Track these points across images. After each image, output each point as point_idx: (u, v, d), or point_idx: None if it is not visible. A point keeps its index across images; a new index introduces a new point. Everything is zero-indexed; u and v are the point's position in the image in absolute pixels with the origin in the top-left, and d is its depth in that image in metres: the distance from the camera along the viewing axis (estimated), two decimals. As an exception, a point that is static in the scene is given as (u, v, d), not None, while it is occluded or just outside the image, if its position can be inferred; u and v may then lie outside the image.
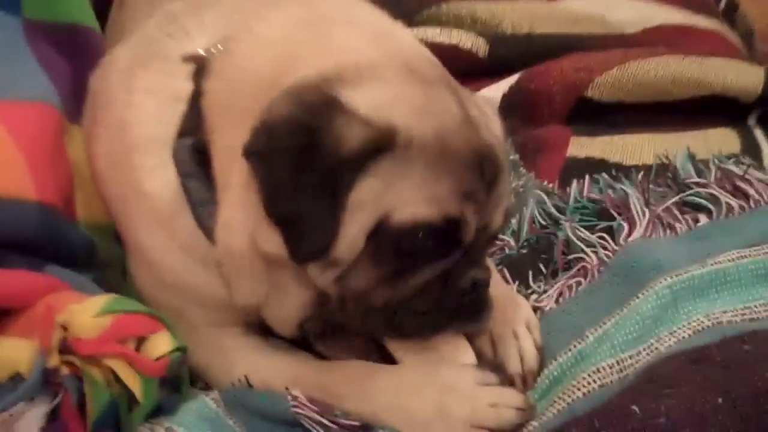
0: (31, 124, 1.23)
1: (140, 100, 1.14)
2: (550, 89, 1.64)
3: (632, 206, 1.28)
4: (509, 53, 1.82)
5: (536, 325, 1.14)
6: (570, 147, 1.53)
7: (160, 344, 1.08)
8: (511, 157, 1.54)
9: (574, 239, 1.26)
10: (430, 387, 1.05)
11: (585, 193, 1.35)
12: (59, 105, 1.28)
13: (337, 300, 1.04)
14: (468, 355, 1.10)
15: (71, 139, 1.30)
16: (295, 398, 1.06)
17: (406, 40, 1.12)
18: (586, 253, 1.24)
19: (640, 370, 1.04)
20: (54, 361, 1.05)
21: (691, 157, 1.41)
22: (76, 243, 1.24)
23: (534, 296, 1.21)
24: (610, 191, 1.33)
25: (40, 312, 1.07)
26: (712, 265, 1.17)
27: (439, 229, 0.99)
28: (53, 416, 1.06)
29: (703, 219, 1.27)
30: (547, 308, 1.20)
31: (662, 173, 1.38)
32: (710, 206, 1.29)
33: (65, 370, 1.05)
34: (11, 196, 1.14)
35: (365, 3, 1.19)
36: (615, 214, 1.29)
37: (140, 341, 1.08)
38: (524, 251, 1.30)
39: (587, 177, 1.39)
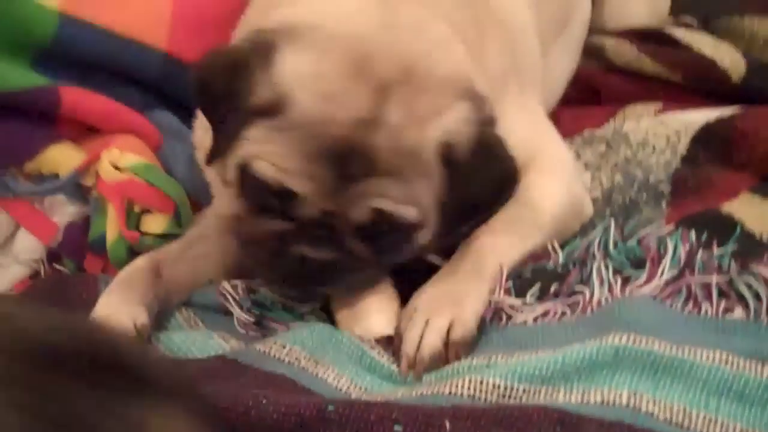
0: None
1: None
2: (757, 134, 1.48)
3: (662, 264, 1.17)
4: (764, 85, 1.65)
5: (465, 328, 1.16)
6: (731, 202, 1.38)
7: (153, 224, 1.34)
8: (661, 188, 1.45)
9: (594, 274, 1.20)
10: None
11: (646, 241, 1.24)
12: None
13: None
14: (381, 327, 1.20)
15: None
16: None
17: (412, 37, 1.20)
18: (592, 290, 1.18)
19: (514, 406, 1.02)
20: (89, 181, 1.33)
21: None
22: None
23: (515, 304, 1.19)
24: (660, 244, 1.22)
25: (103, 140, 1.35)
26: (687, 353, 1.05)
27: (277, 193, 1.14)
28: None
29: (740, 313, 1.12)
30: (519, 321, 1.18)
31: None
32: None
33: (95, 193, 1.33)
34: (141, 41, 1.43)
35: None
36: (648, 265, 1.19)
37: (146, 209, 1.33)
38: (558, 270, 1.26)
39: (692, 233, 1.26)
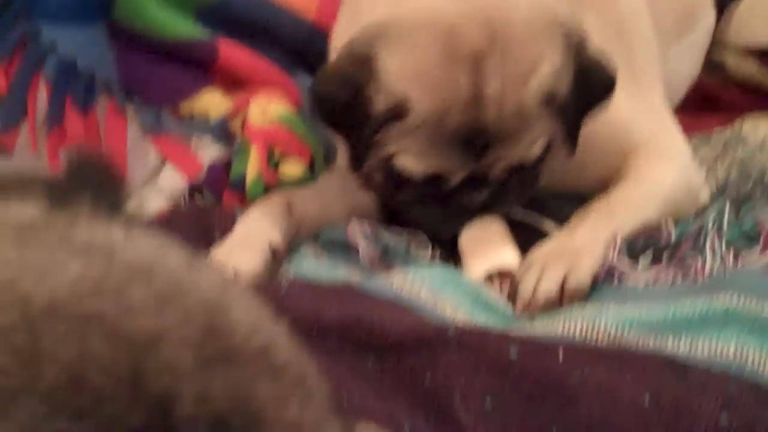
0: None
1: None
2: None
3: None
4: None
5: (579, 279, 1.21)
6: None
7: (289, 167, 1.46)
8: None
9: (707, 245, 1.25)
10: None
11: (761, 220, 1.28)
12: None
13: None
14: (509, 259, 1.28)
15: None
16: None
17: None
18: (704, 260, 1.23)
19: (624, 346, 1.06)
20: (236, 126, 1.45)
21: None
22: None
23: (628, 267, 1.24)
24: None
25: (251, 92, 1.47)
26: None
27: (423, 181, 1.28)
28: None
29: None
30: (631, 283, 1.23)
31: None
32: None
33: (240, 137, 1.45)
34: (293, 9, 1.55)
35: None
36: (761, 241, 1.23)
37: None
38: (671, 242, 1.31)
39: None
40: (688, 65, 1.81)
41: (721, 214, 1.33)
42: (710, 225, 1.32)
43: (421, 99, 1.22)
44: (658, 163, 1.42)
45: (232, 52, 1.50)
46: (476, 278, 1.25)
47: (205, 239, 1.36)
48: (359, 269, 1.29)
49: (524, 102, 1.24)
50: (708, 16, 1.87)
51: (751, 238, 1.26)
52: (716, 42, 1.96)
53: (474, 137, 1.25)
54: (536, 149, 1.29)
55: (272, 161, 1.46)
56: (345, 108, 1.26)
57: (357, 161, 1.31)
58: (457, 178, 1.28)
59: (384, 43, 1.24)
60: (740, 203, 1.46)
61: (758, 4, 2.00)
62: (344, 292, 1.19)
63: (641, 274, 1.24)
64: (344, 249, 1.33)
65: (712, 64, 1.95)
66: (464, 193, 1.30)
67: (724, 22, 1.97)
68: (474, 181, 1.29)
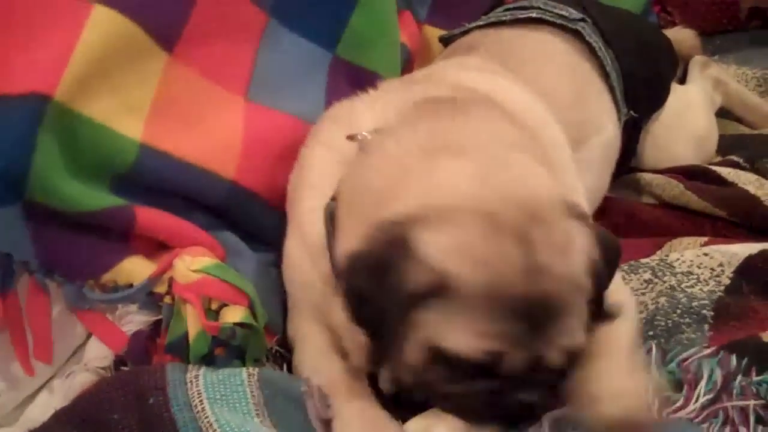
0: (269, 128, 1.60)
1: (319, 150, 1.50)
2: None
3: (698, 389, 1.20)
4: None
5: None
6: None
7: (230, 314, 1.39)
8: (704, 313, 1.48)
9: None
10: None
11: (686, 364, 1.27)
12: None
13: None
14: None
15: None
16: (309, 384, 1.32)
17: (512, 178, 1.25)
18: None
19: None
20: (161, 288, 1.41)
21: None
22: (263, 223, 1.59)
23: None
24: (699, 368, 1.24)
25: (173, 253, 1.43)
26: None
27: (479, 359, 1.18)
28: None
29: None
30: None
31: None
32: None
33: (168, 299, 1.40)
34: (212, 170, 1.53)
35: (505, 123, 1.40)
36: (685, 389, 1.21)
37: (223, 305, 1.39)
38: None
39: (732, 358, 1.29)
40: (587, 180, 1.75)
41: (648, 357, 1.32)
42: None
43: (465, 273, 1.16)
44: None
45: (150, 217, 1.45)
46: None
47: (140, 405, 1.29)
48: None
49: (574, 270, 1.21)
50: (604, 131, 1.85)
51: (677, 386, 1.25)
52: (639, 165, 1.99)
53: (534, 310, 1.17)
54: (582, 332, 1.23)
55: (210, 315, 1.39)
56: (376, 288, 1.18)
57: (386, 353, 1.23)
58: (516, 361, 1.19)
59: (420, 226, 1.18)
60: (669, 334, 1.45)
61: (674, 124, 2.03)
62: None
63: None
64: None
65: (639, 185, 1.96)
66: (519, 386, 1.21)
67: (642, 143, 1.99)
68: (531, 371, 1.20)
